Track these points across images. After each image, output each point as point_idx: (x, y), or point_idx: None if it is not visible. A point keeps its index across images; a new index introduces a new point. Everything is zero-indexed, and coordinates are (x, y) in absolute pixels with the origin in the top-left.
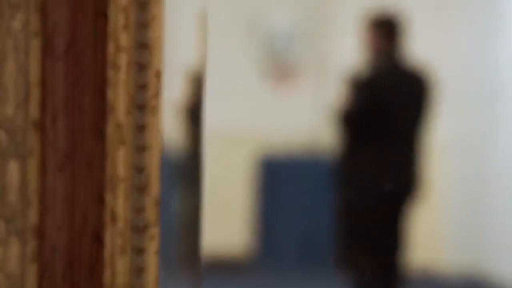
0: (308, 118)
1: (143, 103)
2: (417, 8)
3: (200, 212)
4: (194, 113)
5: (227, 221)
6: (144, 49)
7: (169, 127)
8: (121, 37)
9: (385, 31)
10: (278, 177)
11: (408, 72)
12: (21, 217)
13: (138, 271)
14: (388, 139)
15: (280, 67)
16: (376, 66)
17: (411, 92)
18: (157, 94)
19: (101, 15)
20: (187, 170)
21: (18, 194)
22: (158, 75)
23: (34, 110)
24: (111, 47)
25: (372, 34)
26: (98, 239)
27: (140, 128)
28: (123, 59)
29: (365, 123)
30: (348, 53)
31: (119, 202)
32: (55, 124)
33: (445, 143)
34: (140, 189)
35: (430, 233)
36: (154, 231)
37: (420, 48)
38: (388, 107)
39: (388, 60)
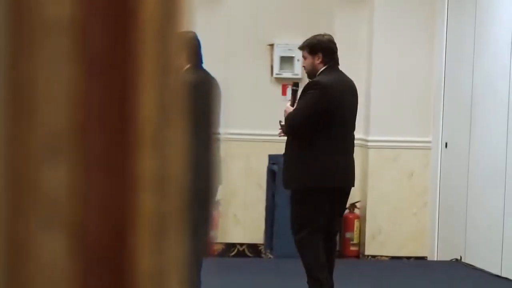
0: None
1: (168, 105)
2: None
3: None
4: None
5: (243, 215)
6: (168, 57)
7: None
8: (148, 46)
9: (304, 52)
10: None
11: (347, 82)
12: (59, 215)
13: (164, 266)
14: (342, 135)
15: (287, 79)
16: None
17: (352, 97)
18: (179, 96)
19: (128, 26)
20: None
21: (57, 192)
22: (180, 79)
23: (72, 114)
24: (138, 55)
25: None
26: (128, 234)
27: (165, 128)
28: (149, 66)
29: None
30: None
31: (147, 199)
32: (91, 127)
33: (433, 148)
34: (167, 186)
35: (424, 228)
36: (182, 226)
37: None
38: (340, 109)
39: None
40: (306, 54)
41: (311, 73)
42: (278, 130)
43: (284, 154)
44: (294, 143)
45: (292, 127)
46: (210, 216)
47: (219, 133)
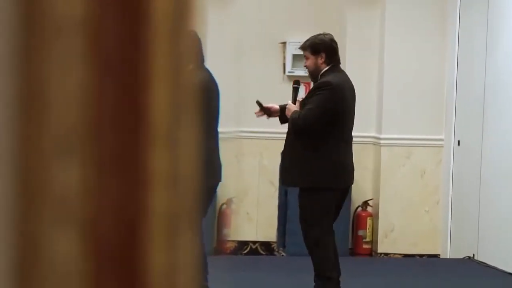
0: None
1: (180, 104)
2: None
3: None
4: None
5: (256, 213)
6: (180, 55)
7: None
8: (160, 45)
9: (307, 53)
10: None
11: (349, 82)
12: (71, 213)
13: (176, 264)
14: (348, 135)
15: (299, 77)
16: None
17: (353, 98)
18: (192, 95)
19: (140, 24)
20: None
21: (69, 190)
22: (191, 77)
23: (84, 113)
24: (151, 54)
25: (305, 56)
26: (140, 232)
27: (178, 126)
28: (162, 65)
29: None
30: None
31: (159, 198)
32: (103, 126)
33: (445, 147)
34: (179, 184)
35: (436, 226)
36: (193, 223)
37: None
38: (348, 108)
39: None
40: (309, 54)
41: (314, 73)
42: (256, 110)
43: (285, 152)
44: (299, 142)
45: (300, 126)
46: (212, 211)
47: (220, 131)
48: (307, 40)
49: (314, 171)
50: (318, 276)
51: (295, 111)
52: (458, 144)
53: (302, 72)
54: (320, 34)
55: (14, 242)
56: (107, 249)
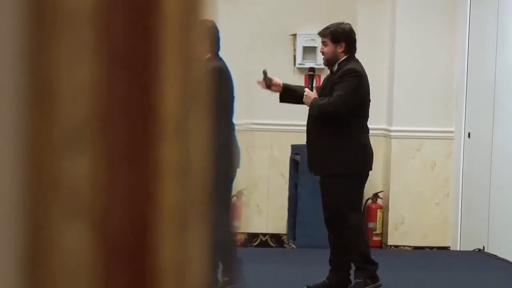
0: None
1: (191, 96)
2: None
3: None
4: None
5: (266, 205)
6: (191, 47)
7: None
8: (171, 37)
9: (326, 39)
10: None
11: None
12: (81, 206)
13: (186, 258)
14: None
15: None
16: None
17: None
18: (203, 87)
19: (150, 16)
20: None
21: (79, 183)
22: (203, 70)
23: (94, 106)
24: (161, 46)
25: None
26: (150, 225)
27: (188, 119)
28: (172, 57)
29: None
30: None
31: (170, 190)
32: (114, 118)
33: (455, 141)
34: (189, 177)
35: (446, 218)
36: (204, 217)
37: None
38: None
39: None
40: (328, 41)
41: (331, 60)
42: (261, 79)
43: (311, 140)
44: (325, 128)
45: (330, 112)
46: (231, 204)
47: (235, 121)
48: (328, 27)
49: (344, 157)
50: (364, 266)
51: (317, 98)
52: (469, 136)
53: (312, 64)
54: (341, 23)
55: (25, 236)
56: (118, 242)
